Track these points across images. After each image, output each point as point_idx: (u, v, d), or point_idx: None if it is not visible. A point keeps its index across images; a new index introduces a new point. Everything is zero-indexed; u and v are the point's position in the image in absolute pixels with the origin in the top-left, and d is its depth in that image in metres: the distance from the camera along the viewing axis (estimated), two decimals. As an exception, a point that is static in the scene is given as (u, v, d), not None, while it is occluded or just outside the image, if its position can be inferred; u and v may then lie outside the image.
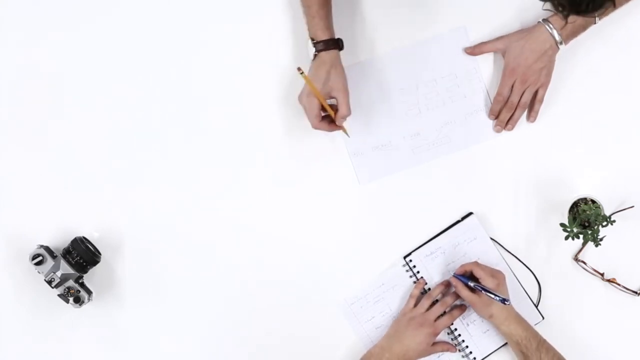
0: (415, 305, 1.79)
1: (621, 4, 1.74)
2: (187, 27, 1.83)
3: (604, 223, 1.69)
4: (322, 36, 1.71)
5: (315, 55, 1.72)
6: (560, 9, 1.31)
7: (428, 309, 1.77)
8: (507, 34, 1.79)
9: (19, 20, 1.82)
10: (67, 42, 1.82)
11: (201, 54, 1.82)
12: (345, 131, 1.77)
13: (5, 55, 1.83)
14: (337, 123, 1.73)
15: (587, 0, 1.28)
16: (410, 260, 1.81)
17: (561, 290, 1.81)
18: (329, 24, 1.73)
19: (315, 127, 1.74)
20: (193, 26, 1.83)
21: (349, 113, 1.72)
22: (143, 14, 1.82)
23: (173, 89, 1.82)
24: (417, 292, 1.80)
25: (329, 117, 1.74)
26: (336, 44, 1.73)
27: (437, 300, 1.79)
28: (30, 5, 1.82)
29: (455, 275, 1.77)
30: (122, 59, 1.82)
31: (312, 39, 1.72)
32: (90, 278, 1.79)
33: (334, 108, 1.72)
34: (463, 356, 1.80)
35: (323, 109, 1.73)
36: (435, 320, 1.76)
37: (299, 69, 1.66)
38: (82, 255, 1.75)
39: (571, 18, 1.71)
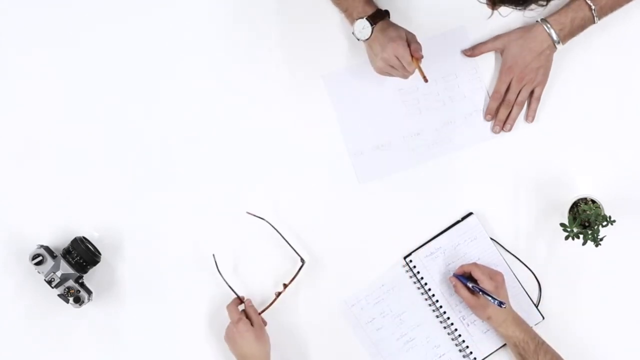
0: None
1: (620, 4, 1.75)
2: (188, 33, 1.83)
3: (604, 223, 1.69)
4: (370, 10, 1.68)
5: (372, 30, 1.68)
6: None
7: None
8: (506, 32, 1.79)
9: (14, 29, 1.82)
10: (65, 45, 1.82)
11: (199, 57, 1.83)
12: (422, 73, 1.73)
13: (4, 59, 1.83)
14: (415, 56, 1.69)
15: None
16: (411, 261, 1.81)
17: (561, 290, 1.81)
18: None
19: (412, 71, 1.71)
20: (193, 31, 1.83)
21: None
22: (145, 20, 1.83)
23: (173, 90, 1.82)
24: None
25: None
26: (383, 16, 1.70)
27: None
28: (28, 9, 1.83)
29: (455, 275, 1.77)
30: (121, 60, 1.82)
31: (361, 17, 1.68)
32: (90, 278, 1.79)
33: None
34: (464, 356, 1.80)
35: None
36: (239, 321, 1.72)
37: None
38: (82, 255, 1.75)
39: (570, 18, 1.73)
